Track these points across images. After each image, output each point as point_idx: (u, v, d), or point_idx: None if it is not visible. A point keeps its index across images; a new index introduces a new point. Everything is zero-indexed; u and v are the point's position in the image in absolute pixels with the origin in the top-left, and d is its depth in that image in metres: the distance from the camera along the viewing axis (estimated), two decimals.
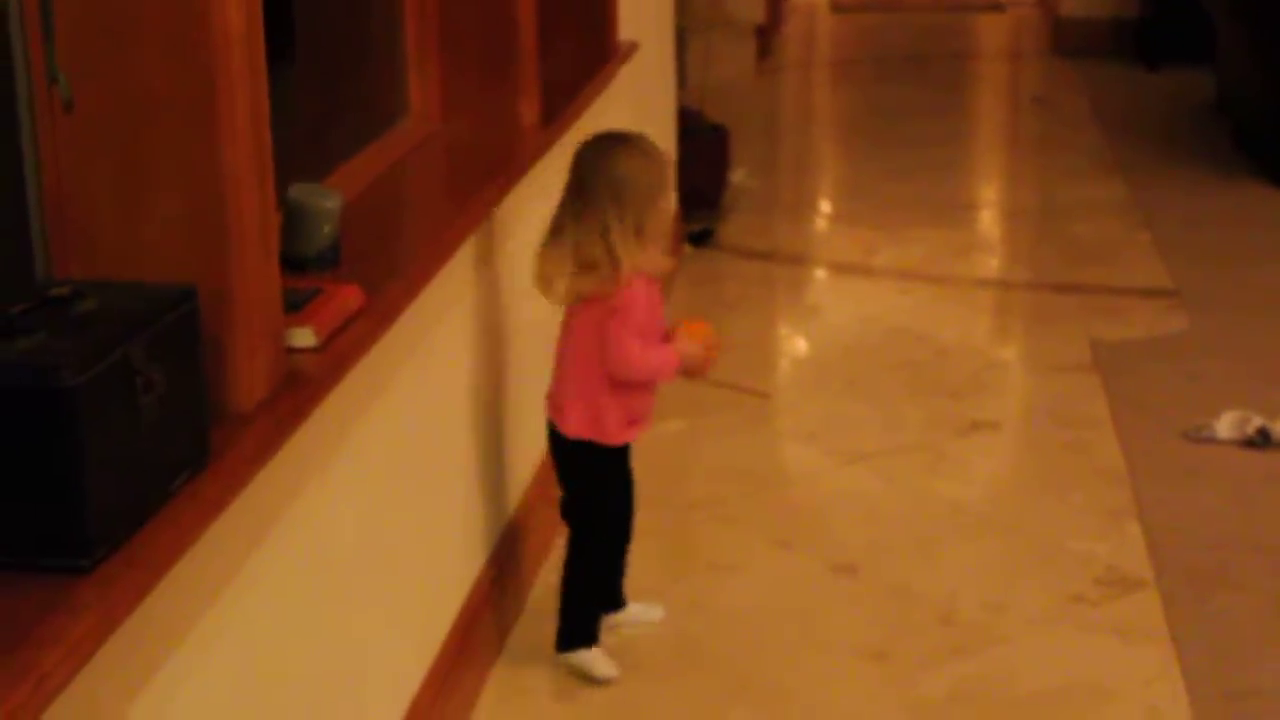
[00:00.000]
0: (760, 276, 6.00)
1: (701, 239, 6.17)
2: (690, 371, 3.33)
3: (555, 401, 3.30)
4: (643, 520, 3.53)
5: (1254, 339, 5.21)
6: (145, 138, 2.00)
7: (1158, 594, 3.64)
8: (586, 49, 4.36)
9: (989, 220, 7.07)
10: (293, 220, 2.60)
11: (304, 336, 2.30)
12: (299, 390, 2.21)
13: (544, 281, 3.19)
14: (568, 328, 3.26)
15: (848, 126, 8.98)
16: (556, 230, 3.18)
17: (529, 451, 3.73)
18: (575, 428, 3.27)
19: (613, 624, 3.47)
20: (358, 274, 2.58)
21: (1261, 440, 4.34)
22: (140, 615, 1.78)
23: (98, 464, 1.71)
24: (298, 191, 2.61)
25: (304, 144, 3.10)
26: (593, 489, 3.35)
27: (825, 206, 7.19)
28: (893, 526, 3.98)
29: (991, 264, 6.32)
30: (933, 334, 5.32)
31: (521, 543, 3.60)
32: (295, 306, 2.32)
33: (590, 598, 3.39)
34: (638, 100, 5.07)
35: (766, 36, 9.98)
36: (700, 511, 4.07)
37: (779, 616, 3.61)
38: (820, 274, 6.06)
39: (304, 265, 2.59)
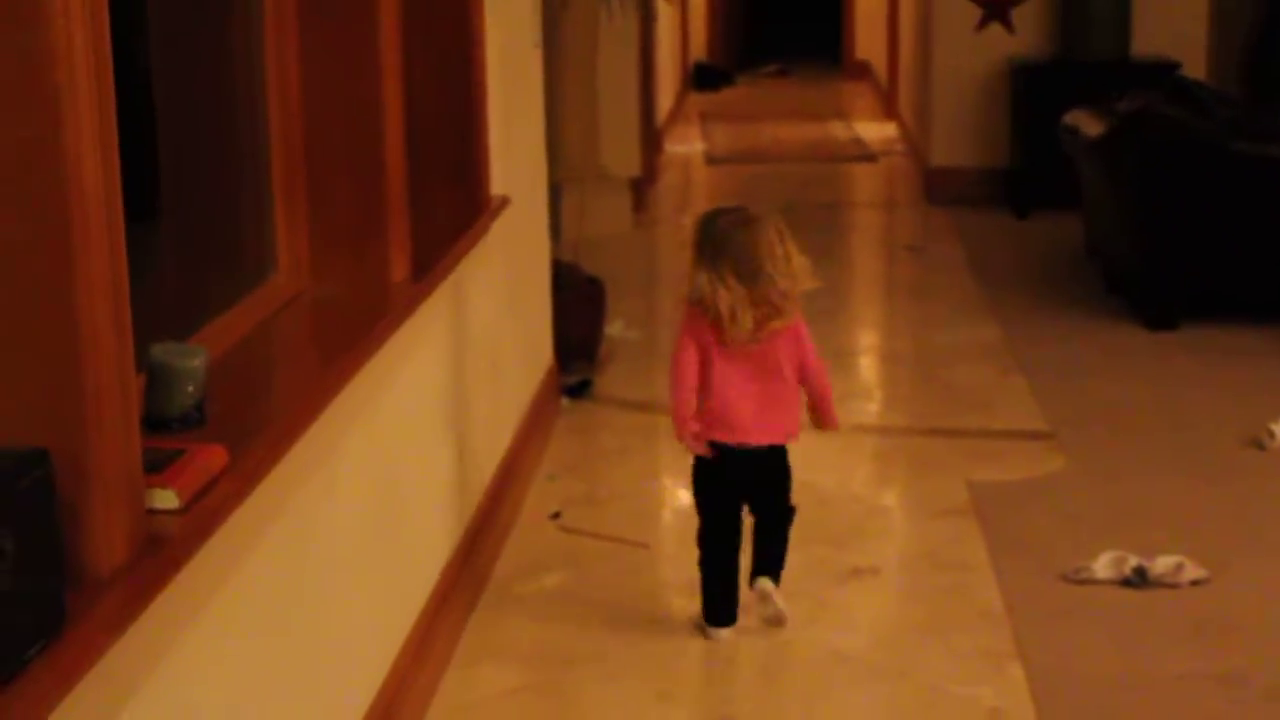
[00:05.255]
0: (639, 427, 5.99)
1: (579, 391, 6.16)
2: None
3: (778, 426, 4.16)
4: (522, 676, 3.45)
5: (1129, 479, 5.25)
6: None
7: None
8: (457, 203, 4.35)
9: (867, 367, 7.12)
10: (155, 380, 2.56)
11: (166, 498, 2.26)
12: (160, 554, 2.16)
13: (738, 324, 4.06)
14: (764, 360, 4.11)
15: None
16: (731, 283, 4.08)
17: (407, 602, 3.68)
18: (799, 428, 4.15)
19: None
20: (223, 433, 2.54)
21: (1138, 579, 4.36)
22: None
23: None
24: (160, 351, 2.57)
25: (170, 301, 3.06)
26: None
27: None
28: (776, 676, 3.95)
29: (870, 410, 6.35)
30: (813, 482, 5.31)
31: (401, 699, 3.53)
32: (157, 467, 2.28)
33: None
34: (511, 254, 5.07)
35: (642, 189, 10.07)
36: (581, 668, 4.01)
37: None
38: None
39: (167, 425, 2.55)
